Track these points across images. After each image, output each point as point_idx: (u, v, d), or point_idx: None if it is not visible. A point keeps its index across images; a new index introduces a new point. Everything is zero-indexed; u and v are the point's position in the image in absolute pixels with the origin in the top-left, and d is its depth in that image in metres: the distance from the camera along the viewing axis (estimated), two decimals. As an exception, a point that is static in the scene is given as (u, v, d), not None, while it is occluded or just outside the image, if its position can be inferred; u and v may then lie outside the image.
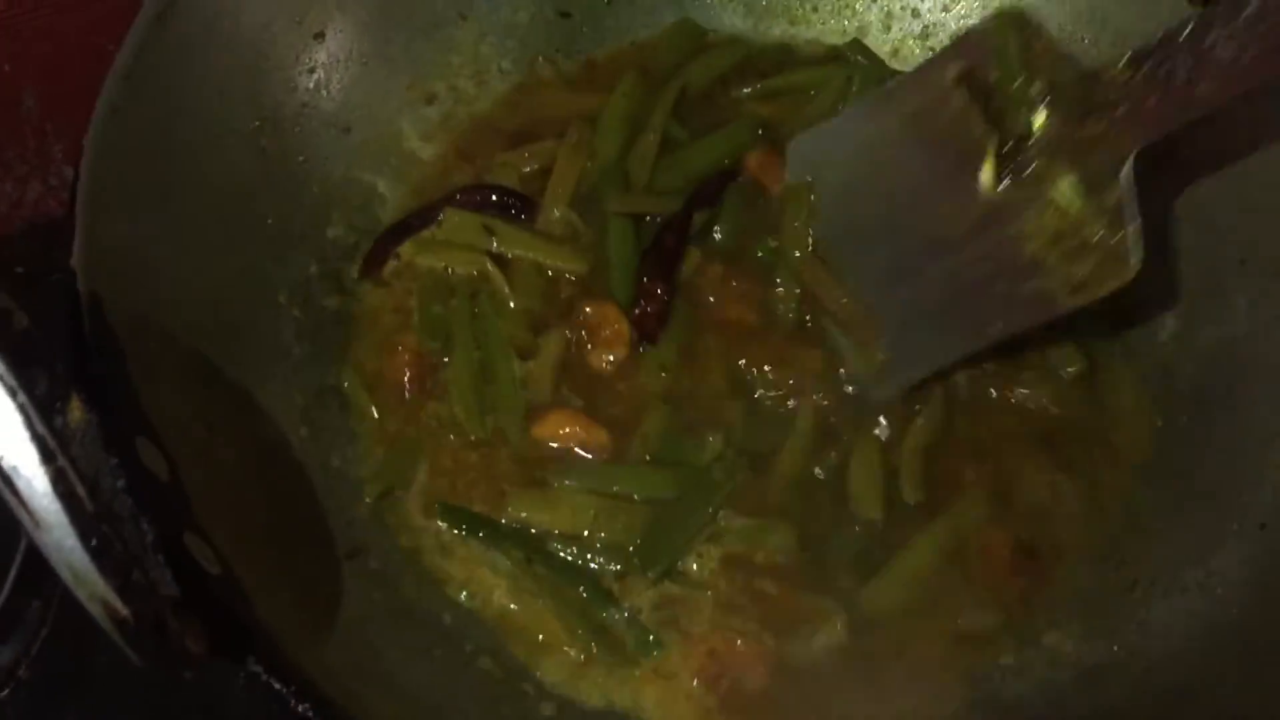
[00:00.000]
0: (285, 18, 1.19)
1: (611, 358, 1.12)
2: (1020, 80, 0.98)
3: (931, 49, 1.33)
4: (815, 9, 1.36)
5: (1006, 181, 0.97)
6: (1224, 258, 1.11)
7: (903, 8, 1.35)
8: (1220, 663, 0.96)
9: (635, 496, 1.06)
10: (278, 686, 0.76)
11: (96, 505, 0.68)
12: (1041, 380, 1.09)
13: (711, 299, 1.14)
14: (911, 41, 1.35)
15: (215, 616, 0.79)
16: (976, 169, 0.99)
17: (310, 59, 1.22)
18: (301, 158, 1.21)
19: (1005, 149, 0.98)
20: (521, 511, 1.06)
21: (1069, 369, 1.10)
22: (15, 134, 1.34)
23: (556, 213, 1.20)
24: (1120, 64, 0.92)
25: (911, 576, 1.02)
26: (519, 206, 1.20)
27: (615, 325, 1.12)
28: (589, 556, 1.04)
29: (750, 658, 1.00)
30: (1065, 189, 0.94)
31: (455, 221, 1.19)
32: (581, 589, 1.02)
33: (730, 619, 1.02)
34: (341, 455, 1.13)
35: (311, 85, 1.22)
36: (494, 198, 1.21)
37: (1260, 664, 0.93)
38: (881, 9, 1.35)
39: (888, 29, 1.35)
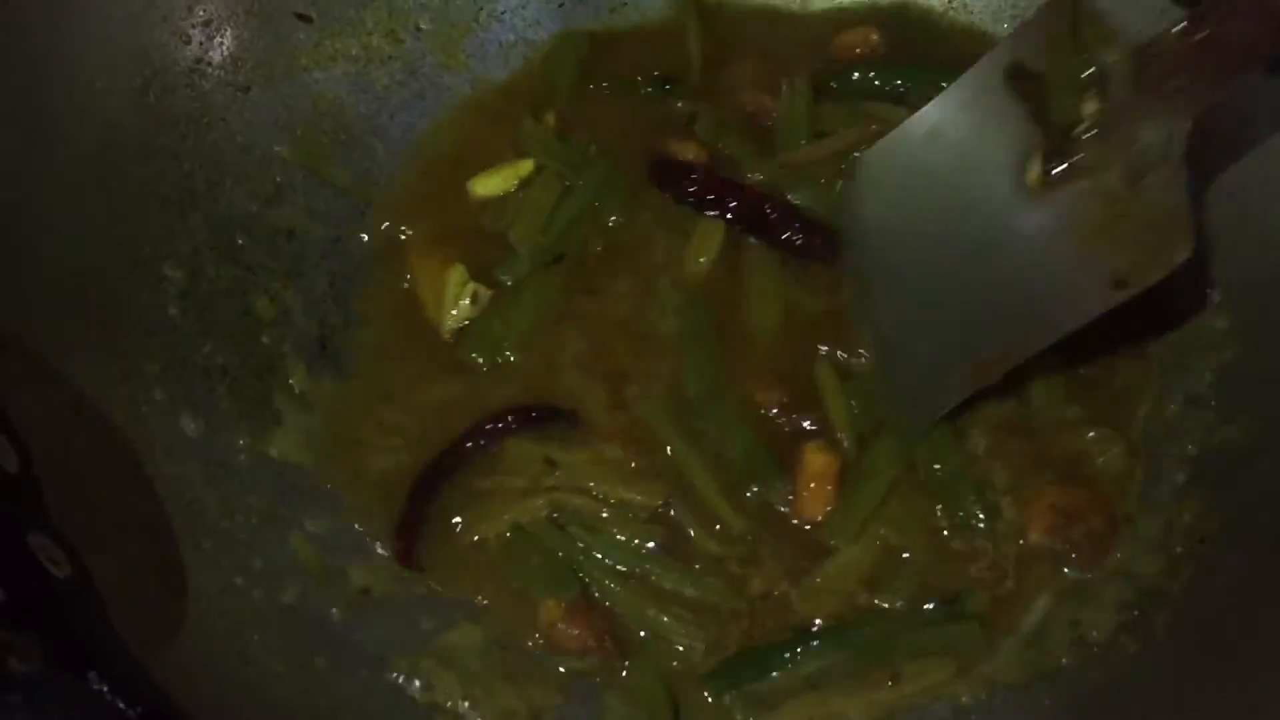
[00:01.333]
0: (178, -38, 1.08)
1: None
2: (1071, 69, 0.95)
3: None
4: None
5: (1056, 172, 0.95)
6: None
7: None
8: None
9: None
10: (122, 706, 0.65)
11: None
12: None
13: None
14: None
15: (55, 626, 0.68)
16: (1024, 168, 0.96)
17: (205, 9, 1.11)
18: (192, 118, 1.10)
19: (1054, 145, 0.95)
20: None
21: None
22: None
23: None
24: (1175, 29, 0.88)
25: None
26: (564, 420, 1.07)
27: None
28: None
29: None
30: (1115, 176, 0.92)
31: (512, 457, 1.05)
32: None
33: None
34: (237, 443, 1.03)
35: (205, 39, 1.11)
36: (534, 415, 1.06)
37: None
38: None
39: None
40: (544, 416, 1.06)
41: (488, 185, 1.18)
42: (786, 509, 1.02)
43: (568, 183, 1.16)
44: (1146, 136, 0.90)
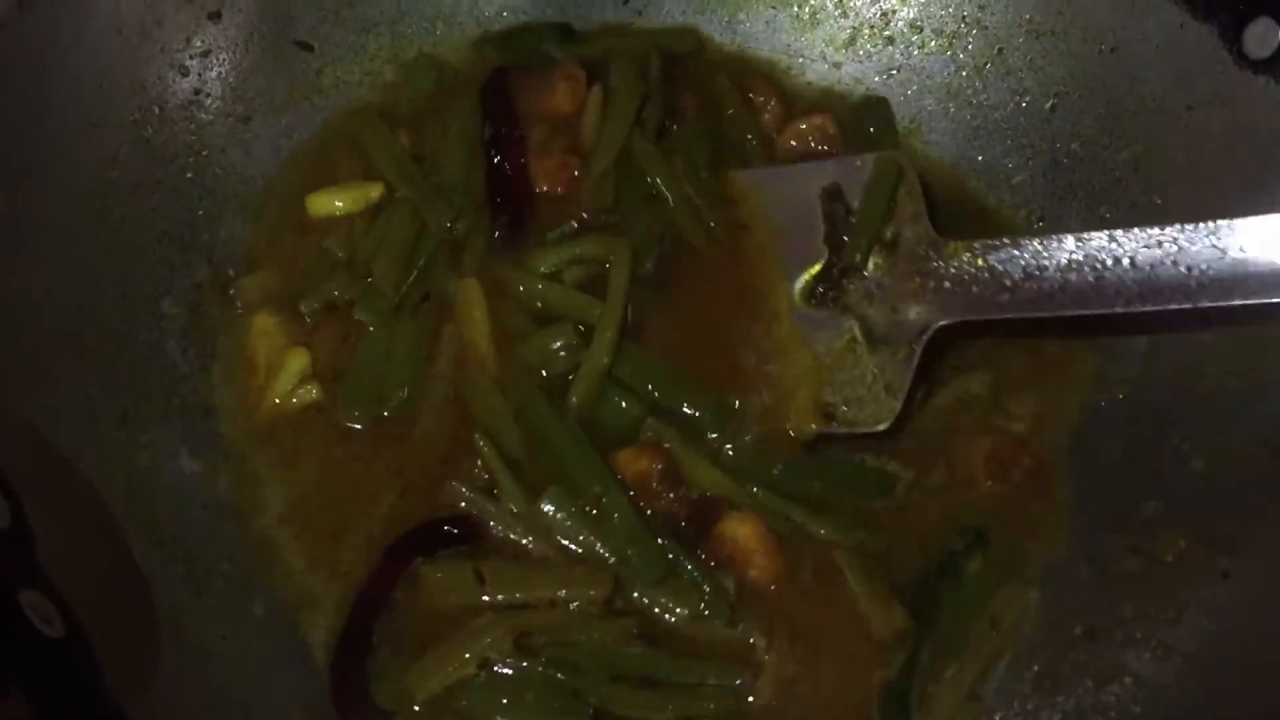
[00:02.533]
0: (173, -2, 1.07)
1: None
2: (876, 222, 1.03)
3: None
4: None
5: (820, 293, 1.05)
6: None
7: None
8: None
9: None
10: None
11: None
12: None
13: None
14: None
15: (44, 686, 0.67)
16: (798, 273, 1.05)
17: (203, 40, 1.10)
18: (192, 150, 1.09)
19: (831, 272, 1.05)
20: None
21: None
22: None
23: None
24: (967, 246, 0.99)
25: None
26: (466, 532, 0.99)
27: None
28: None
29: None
30: (863, 330, 1.02)
31: (433, 581, 0.96)
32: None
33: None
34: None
35: (203, 70, 1.11)
36: (445, 528, 0.98)
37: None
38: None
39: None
40: (438, 538, 0.98)
41: (330, 204, 1.11)
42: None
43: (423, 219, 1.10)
44: (906, 314, 1.00)
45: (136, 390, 1.00)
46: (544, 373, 1.04)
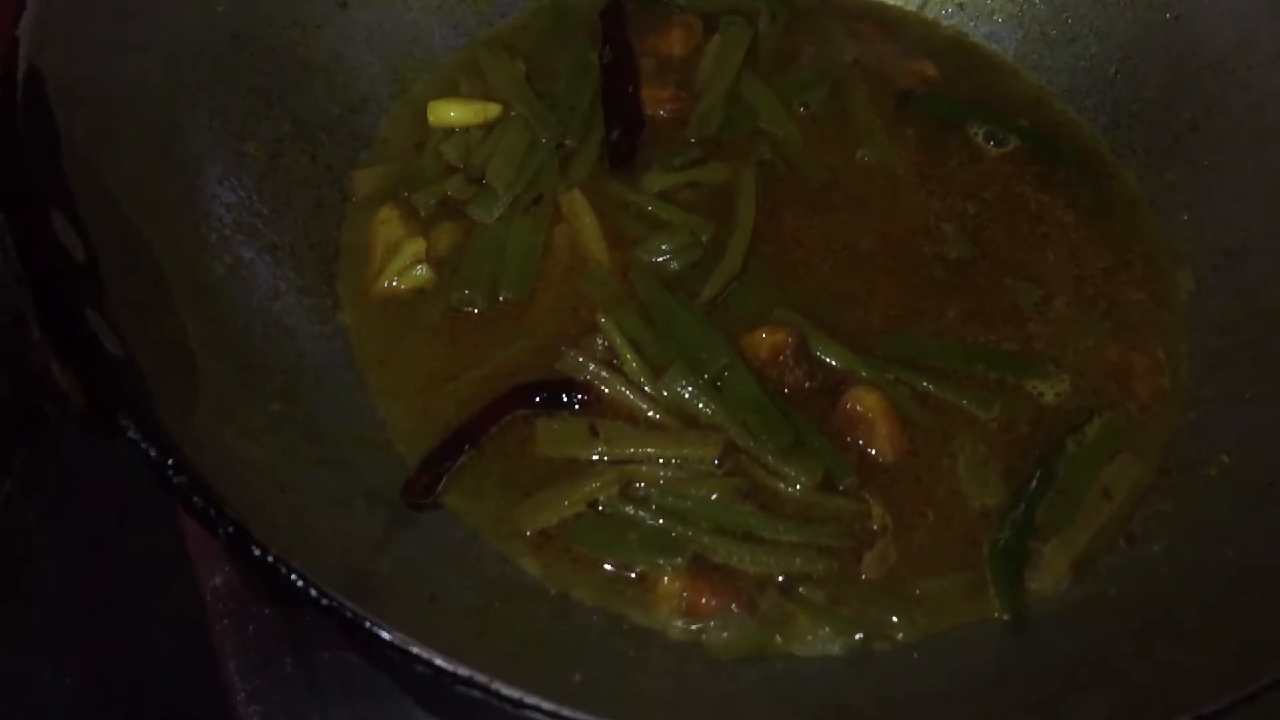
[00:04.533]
0: None
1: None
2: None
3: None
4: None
5: None
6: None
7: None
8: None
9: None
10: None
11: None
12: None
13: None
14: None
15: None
16: None
17: (313, -77, 1.13)
18: (291, 20, 1.11)
19: None
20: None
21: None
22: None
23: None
24: None
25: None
26: (580, 398, 0.98)
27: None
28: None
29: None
30: None
31: (551, 435, 0.96)
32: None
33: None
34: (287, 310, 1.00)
35: (311, -51, 1.12)
36: (543, 396, 0.97)
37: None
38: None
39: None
40: (555, 398, 0.97)
41: (448, 113, 1.14)
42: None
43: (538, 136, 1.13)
44: None
45: (212, 207, 0.97)
46: (658, 272, 1.05)
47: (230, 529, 0.67)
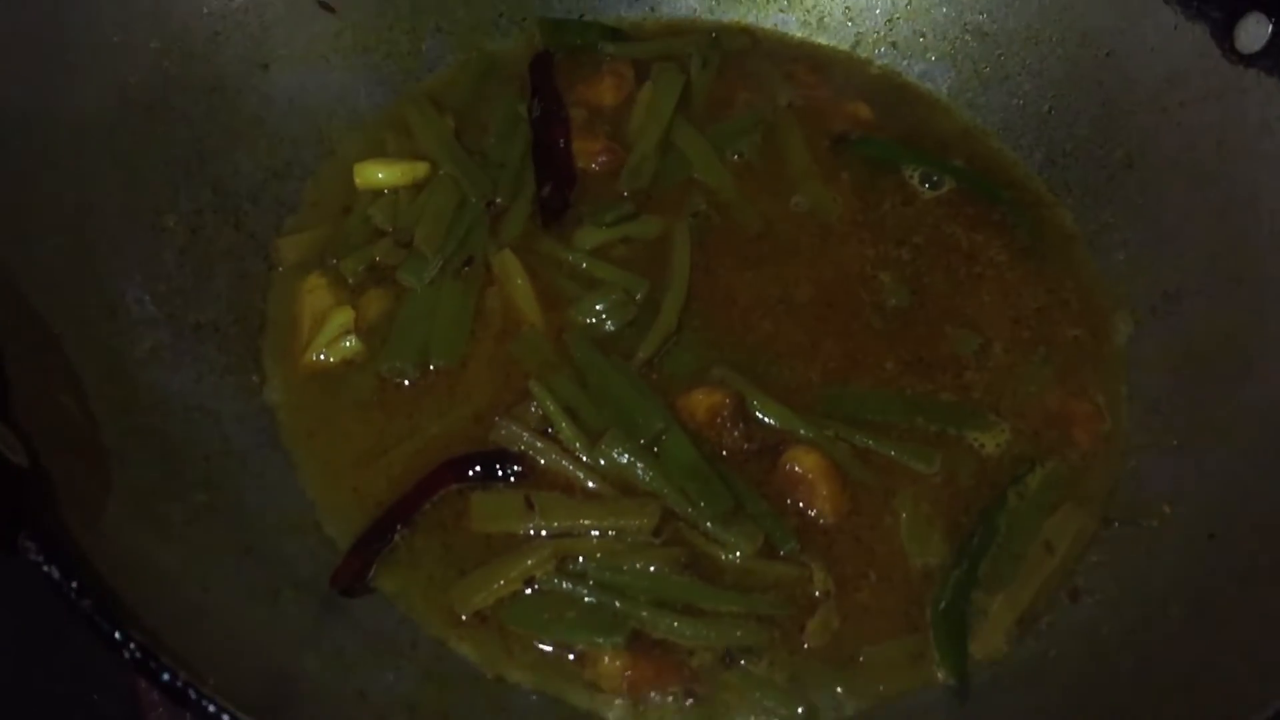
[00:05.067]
0: (207, -60, 1.08)
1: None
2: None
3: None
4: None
5: None
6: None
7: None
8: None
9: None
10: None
11: None
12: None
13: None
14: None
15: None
16: None
17: (230, -17, 1.10)
18: (209, 87, 1.08)
19: None
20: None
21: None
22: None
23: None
24: None
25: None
26: (514, 469, 0.96)
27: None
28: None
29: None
30: None
31: (486, 510, 0.94)
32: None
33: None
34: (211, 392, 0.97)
35: (227, 14, 1.10)
36: (476, 470, 0.95)
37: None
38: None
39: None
40: (489, 470, 0.95)
41: (375, 174, 1.11)
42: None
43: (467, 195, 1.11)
44: None
45: (129, 291, 0.95)
46: (592, 333, 1.04)
47: (136, 653, 0.65)
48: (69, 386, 0.84)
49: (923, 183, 1.17)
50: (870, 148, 1.18)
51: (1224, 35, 1.04)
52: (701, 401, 0.99)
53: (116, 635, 0.65)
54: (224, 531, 0.88)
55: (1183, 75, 1.08)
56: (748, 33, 1.30)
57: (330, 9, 1.17)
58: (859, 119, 1.21)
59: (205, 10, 1.09)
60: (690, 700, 0.88)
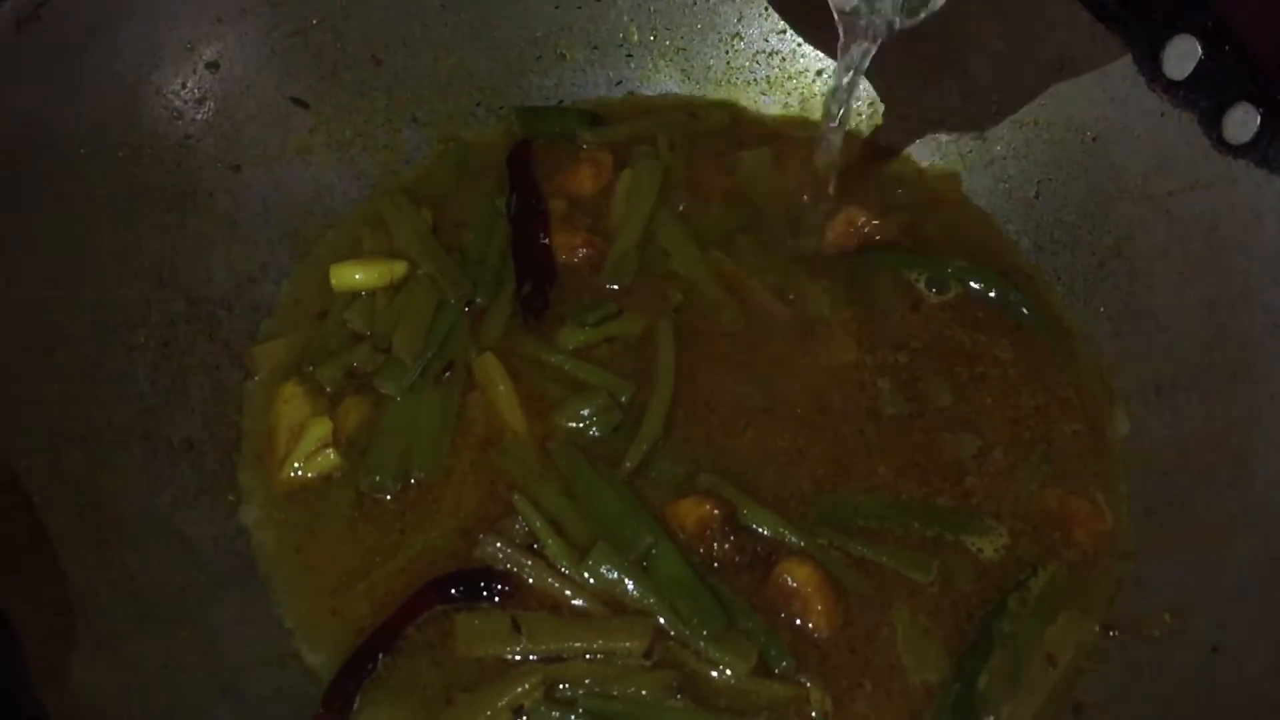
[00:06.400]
0: (174, 43, 1.06)
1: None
2: None
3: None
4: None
5: None
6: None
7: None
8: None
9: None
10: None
11: None
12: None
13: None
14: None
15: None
16: None
17: (200, 88, 1.08)
18: (180, 192, 1.06)
19: None
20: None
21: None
22: None
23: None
24: None
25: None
26: (500, 588, 0.93)
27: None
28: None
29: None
30: None
31: (471, 633, 0.91)
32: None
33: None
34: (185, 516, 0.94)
35: (197, 116, 1.07)
36: (460, 590, 0.93)
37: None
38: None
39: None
40: (473, 590, 0.93)
41: (352, 275, 1.08)
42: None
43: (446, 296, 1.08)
44: None
45: (99, 415, 0.92)
46: (577, 440, 1.01)
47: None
48: (32, 535, 0.81)
49: (929, 288, 1.14)
50: (880, 257, 1.15)
51: (1212, 125, 1.03)
52: (690, 511, 0.97)
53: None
54: (200, 671, 0.85)
55: (1171, 164, 1.06)
56: (727, 109, 1.28)
57: (304, 104, 1.15)
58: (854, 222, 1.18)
59: (175, 114, 1.06)
60: (685, 835, 0.85)
